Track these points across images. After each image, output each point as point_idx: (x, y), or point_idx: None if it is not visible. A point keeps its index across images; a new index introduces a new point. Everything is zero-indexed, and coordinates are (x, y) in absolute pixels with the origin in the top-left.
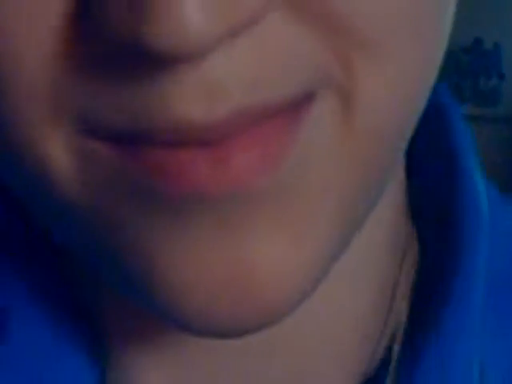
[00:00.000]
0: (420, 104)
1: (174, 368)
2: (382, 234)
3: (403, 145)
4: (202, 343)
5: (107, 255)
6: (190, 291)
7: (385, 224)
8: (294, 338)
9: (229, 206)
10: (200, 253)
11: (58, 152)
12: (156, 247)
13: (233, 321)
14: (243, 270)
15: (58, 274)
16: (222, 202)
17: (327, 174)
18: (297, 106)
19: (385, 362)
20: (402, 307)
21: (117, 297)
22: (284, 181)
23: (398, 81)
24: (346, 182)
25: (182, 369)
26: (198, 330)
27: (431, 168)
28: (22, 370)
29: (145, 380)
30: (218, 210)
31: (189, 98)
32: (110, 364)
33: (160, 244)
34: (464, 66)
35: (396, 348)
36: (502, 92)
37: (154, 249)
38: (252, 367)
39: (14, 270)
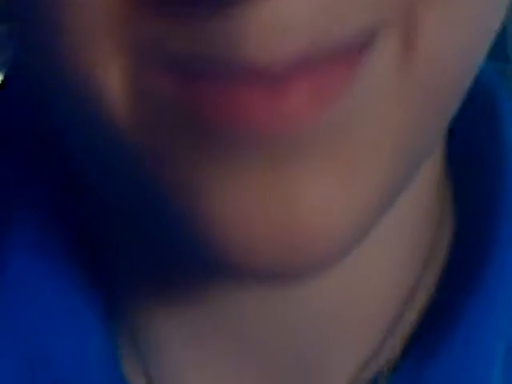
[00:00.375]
0: (479, 59)
1: (191, 327)
2: (425, 194)
3: (458, 98)
4: (222, 301)
5: (149, 192)
6: (234, 227)
7: (427, 182)
8: (327, 288)
9: (281, 144)
10: (248, 190)
11: (114, 82)
12: (203, 183)
13: (274, 262)
14: (290, 210)
15: (74, 228)
16: (275, 139)
17: (384, 118)
18: (357, 48)
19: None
20: (430, 281)
21: (138, 249)
22: (339, 122)
23: (460, 30)
24: (402, 128)
25: (201, 326)
26: (238, 268)
27: (473, 135)
28: (16, 305)
29: (162, 339)
30: (269, 148)
31: (257, 38)
32: (121, 325)
33: (207, 180)
34: None
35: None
36: (507, 75)
37: (200, 184)
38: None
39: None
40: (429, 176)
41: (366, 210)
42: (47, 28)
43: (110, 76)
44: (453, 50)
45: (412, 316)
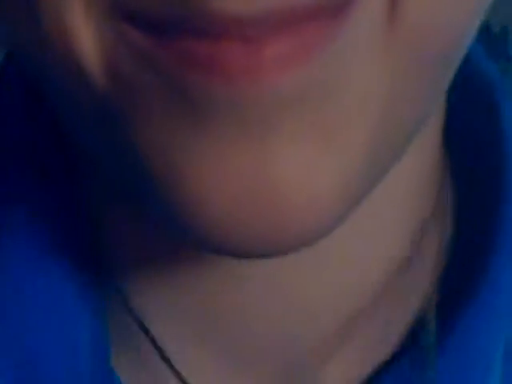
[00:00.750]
0: (470, 26)
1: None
2: (421, 163)
3: (449, 67)
4: (215, 275)
5: (128, 156)
6: (207, 196)
7: (425, 153)
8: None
9: (258, 104)
10: (221, 155)
11: (88, 41)
12: (176, 146)
13: (250, 236)
14: (265, 177)
15: (67, 197)
16: (251, 98)
17: (368, 81)
18: (337, 9)
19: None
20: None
21: (127, 222)
22: (320, 80)
23: None
24: (389, 93)
25: (201, 324)
26: (214, 243)
27: (471, 120)
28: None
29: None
30: (246, 108)
31: None
32: (113, 317)
33: (181, 144)
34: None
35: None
36: (509, 74)
37: (174, 148)
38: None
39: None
40: (426, 153)
41: (350, 176)
42: None
43: (82, 31)
44: (440, 12)
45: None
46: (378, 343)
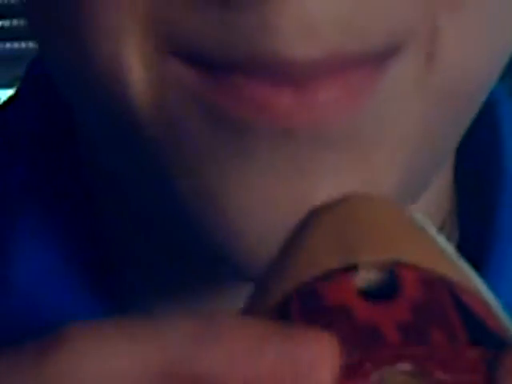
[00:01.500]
0: (496, 69)
1: None
2: (440, 178)
3: (475, 108)
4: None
5: (159, 182)
6: (247, 225)
7: (437, 190)
8: None
9: (307, 142)
10: (264, 185)
11: (139, 74)
12: (216, 174)
13: None
14: (308, 204)
15: (81, 211)
16: (301, 137)
17: (404, 126)
18: (382, 57)
19: None
20: None
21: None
22: (361, 126)
23: (479, 43)
24: (425, 131)
25: None
26: (251, 272)
27: (473, 144)
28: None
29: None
30: (296, 146)
31: (289, 33)
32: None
33: (222, 173)
34: None
35: None
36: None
37: (213, 177)
38: None
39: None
40: (440, 184)
41: None
42: (77, 15)
43: (134, 61)
44: (471, 61)
45: None
46: None
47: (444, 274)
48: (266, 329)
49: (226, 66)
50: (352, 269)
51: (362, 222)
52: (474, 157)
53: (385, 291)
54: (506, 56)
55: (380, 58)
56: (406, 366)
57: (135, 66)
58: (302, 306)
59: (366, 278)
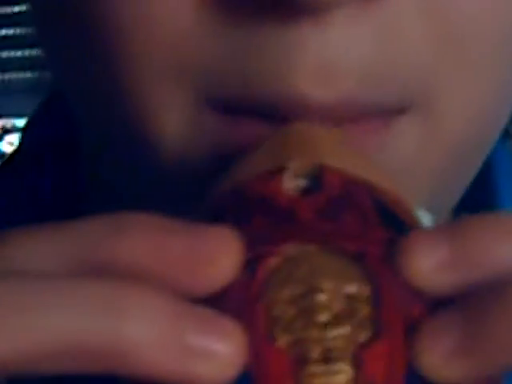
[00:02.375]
0: (496, 129)
1: None
2: None
3: (479, 163)
4: None
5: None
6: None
7: None
8: None
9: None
10: None
11: (172, 120)
12: None
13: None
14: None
15: None
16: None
17: (408, 182)
18: (390, 114)
19: None
20: None
21: None
22: None
23: (479, 107)
24: (425, 193)
25: None
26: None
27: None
28: None
29: None
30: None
31: (309, 72)
32: None
33: None
34: None
35: None
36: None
37: None
38: None
39: None
40: None
41: None
42: (120, 61)
43: (170, 115)
44: (471, 123)
45: None
46: None
47: (367, 179)
48: (172, 225)
49: (249, 110)
50: (280, 171)
51: (295, 142)
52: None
53: (308, 190)
54: (507, 112)
55: (387, 114)
56: (315, 237)
57: (170, 117)
58: (234, 201)
59: (293, 182)
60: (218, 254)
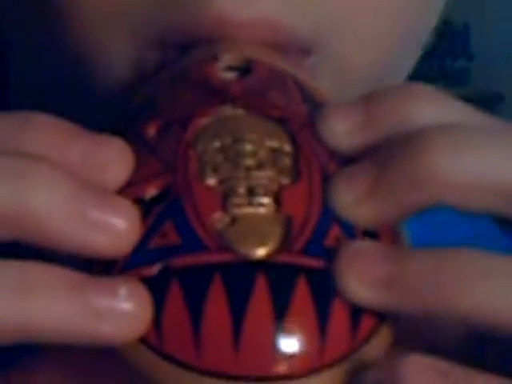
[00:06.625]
0: (392, 67)
1: None
2: None
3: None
4: None
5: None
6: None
7: None
8: None
9: None
10: None
11: (120, 58)
12: None
13: None
14: None
15: None
16: None
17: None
18: (303, 53)
19: None
20: None
21: None
22: None
23: (371, 48)
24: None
25: None
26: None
27: None
28: None
29: None
30: None
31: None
32: None
33: None
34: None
35: None
36: (471, 73)
37: None
38: None
39: None
40: None
41: None
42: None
43: (118, 53)
44: (363, 62)
45: None
46: None
47: (294, 74)
48: (73, 130)
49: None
50: (214, 59)
51: (229, 44)
52: None
53: (239, 76)
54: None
55: (297, 53)
56: (244, 105)
57: (119, 55)
58: (170, 83)
59: (225, 69)
60: (110, 162)
